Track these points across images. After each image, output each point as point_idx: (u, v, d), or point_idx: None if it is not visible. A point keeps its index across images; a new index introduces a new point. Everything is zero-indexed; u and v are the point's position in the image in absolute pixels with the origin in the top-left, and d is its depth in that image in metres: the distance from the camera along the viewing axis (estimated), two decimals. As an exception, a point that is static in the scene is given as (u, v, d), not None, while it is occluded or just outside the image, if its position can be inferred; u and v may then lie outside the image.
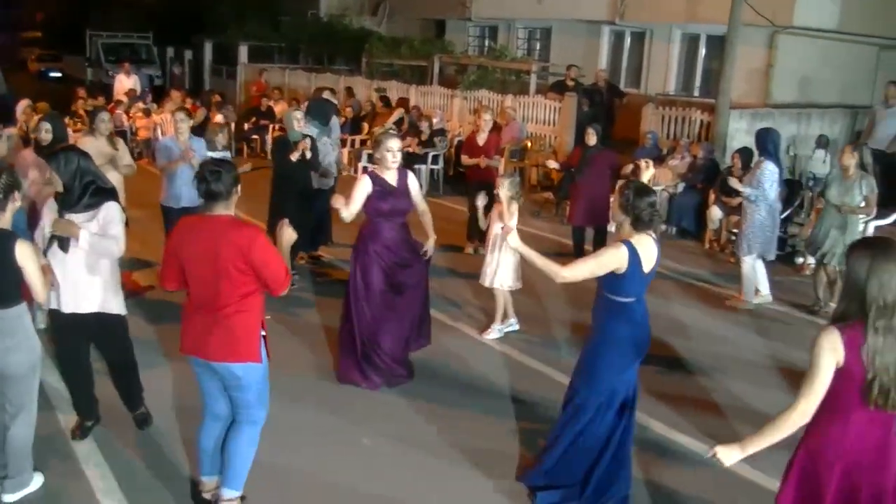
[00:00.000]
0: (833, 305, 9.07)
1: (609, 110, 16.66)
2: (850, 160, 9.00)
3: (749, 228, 9.26)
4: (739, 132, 14.11)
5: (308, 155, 9.21)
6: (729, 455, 3.81)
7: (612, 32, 20.01)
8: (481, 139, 11.04)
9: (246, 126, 19.45)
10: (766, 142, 9.28)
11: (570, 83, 17.07)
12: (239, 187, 4.64)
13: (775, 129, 10.00)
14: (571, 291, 9.42)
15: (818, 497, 3.71)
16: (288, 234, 4.85)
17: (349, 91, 20.23)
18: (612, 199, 11.43)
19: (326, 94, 11.47)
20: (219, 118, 17.26)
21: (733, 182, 9.31)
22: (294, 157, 9.06)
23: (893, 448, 3.66)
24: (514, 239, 4.92)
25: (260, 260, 4.50)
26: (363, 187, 6.62)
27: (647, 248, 4.83)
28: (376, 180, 6.67)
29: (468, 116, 17.71)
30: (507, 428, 6.26)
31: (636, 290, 4.90)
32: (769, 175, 9.09)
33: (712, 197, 11.91)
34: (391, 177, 6.69)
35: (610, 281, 4.85)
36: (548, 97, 17.15)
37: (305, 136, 9.36)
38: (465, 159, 11.29)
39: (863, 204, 8.97)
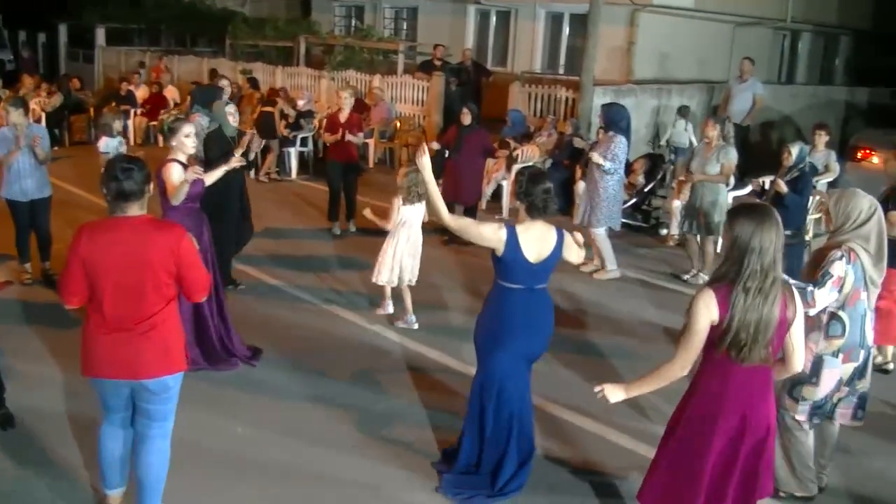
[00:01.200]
0: (700, 275, 9.61)
1: (476, 89, 16.76)
2: (712, 132, 9.36)
3: (603, 201, 9.53)
4: (603, 108, 14.35)
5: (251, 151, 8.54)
6: (614, 393, 4.07)
7: (477, 12, 20.07)
8: (343, 116, 10.93)
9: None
10: (617, 117, 9.62)
11: (438, 62, 17.08)
12: (151, 186, 4.30)
13: (621, 105, 10.39)
14: (468, 280, 9.47)
15: (702, 450, 3.93)
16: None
17: (213, 73, 19.68)
18: (483, 178, 11.61)
19: (224, 83, 10.97)
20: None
21: (596, 157, 9.49)
22: (237, 153, 7.85)
23: (770, 400, 3.96)
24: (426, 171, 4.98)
25: (188, 261, 4.21)
26: (178, 172, 6.54)
27: (536, 238, 4.83)
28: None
29: (336, 97, 17.49)
30: (388, 413, 6.21)
31: (522, 278, 4.83)
32: (623, 148, 9.45)
33: (579, 173, 12.08)
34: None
35: (494, 263, 4.88)
36: (415, 77, 17.11)
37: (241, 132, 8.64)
38: (326, 136, 11.21)
39: (718, 172, 9.31)
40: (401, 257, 7.76)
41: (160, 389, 4.29)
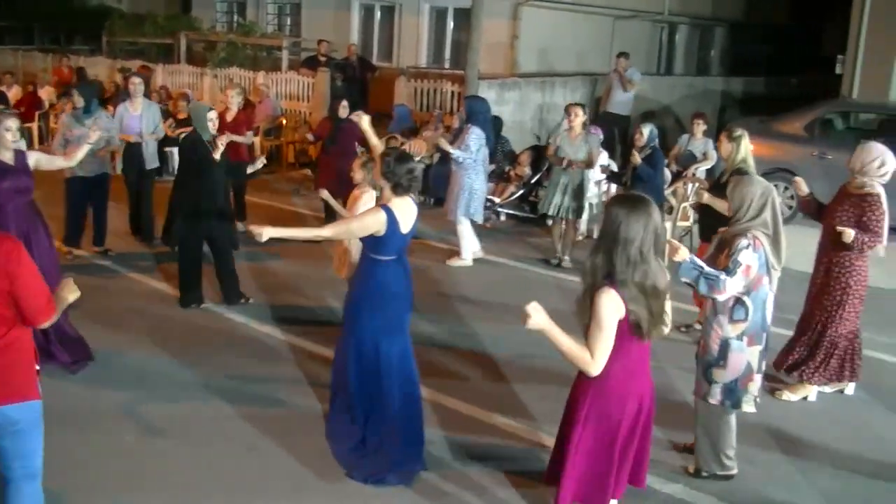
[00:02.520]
0: (568, 258, 10.04)
1: (362, 84, 16.69)
2: (577, 119, 9.77)
3: (462, 192, 9.72)
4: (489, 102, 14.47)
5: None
6: (538, 320, 3.85)
7: (361, 6, 19.99)
8: (230, 116, 10.70)
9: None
10: (477, 109, 9.91)
11: (322, 58, 16.95)
12: None
13: (483, 98, 10.75)
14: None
15: (614, 431, 4.10)
16: (70, 292, 4.05)
17: (80, 72, 18.91)
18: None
19: (137, 80, 10.57)
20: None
21: (443, 144, 9.78)
22: (216, 154, 7.85)
23: (649, 371, 4.21)
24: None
25: (23, 280, 3.75)
26: None
27: (406, 211, 5.16)
28: None
29: (220, 95, 17.18)
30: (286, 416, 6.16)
31: (395, 249, 5.20)
32: (476, 139, 9.66)
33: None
34: (8, 156, 6.55)
35: (371, 242, 5.14)
36: (300, 73, 16.95)
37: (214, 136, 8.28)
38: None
39: (585, 158, 9.73)
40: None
41: (3, 422, 3.86)
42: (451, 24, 18.59)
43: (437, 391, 6.42)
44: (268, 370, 6.84)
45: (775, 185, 12.05)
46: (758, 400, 5.32)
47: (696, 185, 10.84)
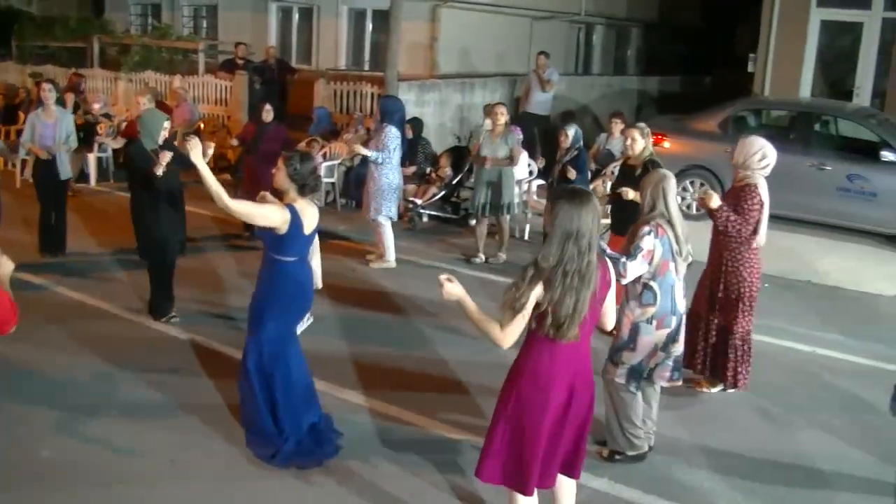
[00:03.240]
0: (499, 255, 10.24)
1: (281, 87, 16.53)
2: (500, 118, 9.96)
3: (379, 191, 9.77)
4: (409, 103, 14.44)
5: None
6: (455, 290, 4.01)
7: (279, 9, 19.82)
8: (139, 123, 10.48)
9: None
10: (391, 109, 9.98)
11: (240, 61, 16.74)
12: None
13: (397, 97, 10.95)
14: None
15: (536, 425, 4.11)
16: (6, 266, 4.02)
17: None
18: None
19: (48, 86, 10.23)
20: None
21: (359, 149, 9.82)
22: (158, 170, 7.53)
23: (589, 362, 4.23)
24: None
25: None
26: None
27: (309, 212, 5.32)
28: None
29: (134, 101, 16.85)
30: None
31: (298, 250, 5.37)
32: (393, 139, 9.73)
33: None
34: None
35: (273, 242, 5.28)
36: (218, 76, 16.72)
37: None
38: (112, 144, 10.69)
39: (507, 156, 9.92)
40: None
41: None
42: (369, 26, 18.55)
43: (366, 393, 6.41)
44: (202, 379, 6.72)
45: (691, 182, 12.44)
46: (655, 375, 5.55)
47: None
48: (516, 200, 10.72)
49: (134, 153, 7.94)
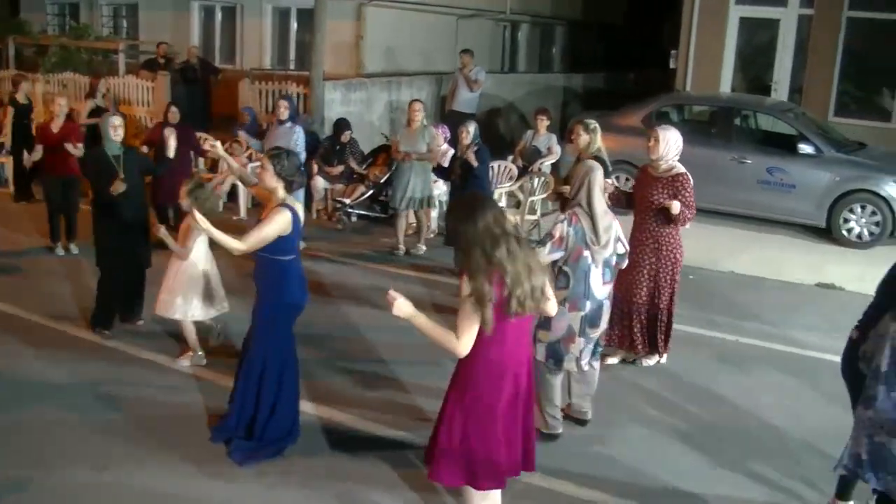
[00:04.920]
0: (419, 247, 10.45)
1: (205, 87, 16.31)
2: (417, 115, 10.28)
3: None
4: (335, 103, 14.43)
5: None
6: (405, 307, 4.07)
7: (201, 7, 19.51)
8: (56, 126, 10.12)
9: None
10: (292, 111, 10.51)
11: (162, 61, 16.46)
12: None
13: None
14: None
15: (491, 411, 4.20)
16: None
17: None
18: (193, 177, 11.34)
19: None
20: None
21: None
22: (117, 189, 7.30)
23: (529, 349, 4.42)
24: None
25: None
26: None
27: (299, 207, 5.42)
28: None
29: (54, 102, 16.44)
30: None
31: (294, 247, 5.44)
32: (297, 139, 10.16)
33: (315, 168, 12.06)
34: None
35: (274, 244, 5.24)
36: (139, 77, 16.39)
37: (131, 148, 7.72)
38: (39, 150, 10.21)
39: (424, 150, 10.19)
40: (204, 285, 6.92)
41: None
42: (294, 25, 18.38)
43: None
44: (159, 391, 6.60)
45: (616, 177, 12.57)
46: (581, 363, 5.81)
47: (542, 178, 11.14)
48: (444, 199, 10.77)
49: (90, 159, 7.66)
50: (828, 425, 5.97)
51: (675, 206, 6.67)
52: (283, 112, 10.50)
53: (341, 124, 12.26)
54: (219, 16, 19.37)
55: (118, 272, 7.62)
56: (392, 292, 4.08)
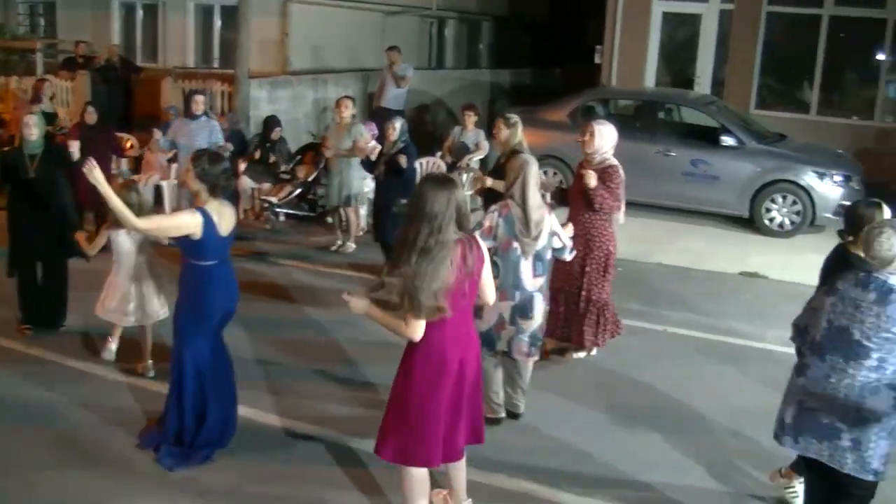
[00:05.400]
0: (348, 245, 10.44)
1: (126, 87, 16.00)
2: (346, 111, 10.28)
3: None
4: (261, 101, 14.30)
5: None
6: (360, 304, 4.27)
7: (122, 5, 19.15)
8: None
9: None
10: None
11: (81, 60, 16.11)
12: None
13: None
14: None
15: (436, 400, 4.33)
16: None
17: None
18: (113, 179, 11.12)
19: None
20: None
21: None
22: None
23: (474, 334, 4.54)
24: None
25: None
26: None
27: (224, 213, 5.21)
28: None
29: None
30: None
31: (216, 253, 5.22)
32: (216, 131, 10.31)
33: (241, 167, 11.89)
34: None
35: (190, 247, 5.15)
36: (58, 76, 16.00)
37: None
38: None
39: (351, 147, 10.14)
40: (128, 289, 6.68)
41: None
42: (218, 23, 18.16)
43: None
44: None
45: (544, 171, 12.66)
46: (514, 351, 5.92)
47: (471, 174, 11.14)
48: (372, 196, 10.73)
49: (7, 160, 7.44)
50: (757, 408, 6.09)
51: (592, 178, 6.76)
52: (200, 107, 10.43)
53: (271, 122, 12.17)
54: (140, 13, 19.04)
55: (31, 276, 7.50)
56: (345, 293, 4.27)
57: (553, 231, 5.87)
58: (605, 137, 6.97)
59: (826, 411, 4.24)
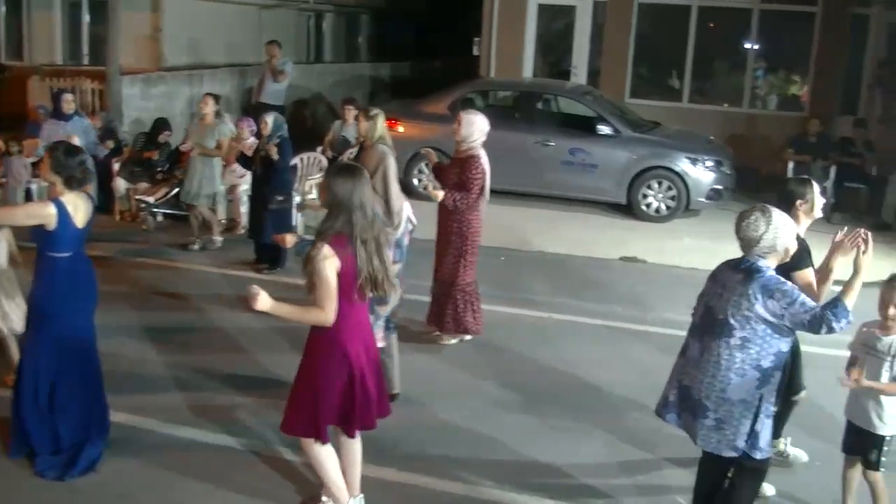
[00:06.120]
0: (214, 240, 10.26)
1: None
2: (206, 108, 10.16)
3: None
4: (134, 98, 13.93)
5: None
6: (265, 301, 4.25)
7: (-18, 1, 18.35)
8: None
9: None
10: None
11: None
12: None
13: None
14: None
15: (338, 381, 4.44)
16: None
17: None
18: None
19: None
20: None
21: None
22: None
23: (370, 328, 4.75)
24: None
25: None
26: None
27: (80, 205, 5.09)
28: None
29: None
30: None
31: (70, 245, 5.11)
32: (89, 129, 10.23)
33: (116, 167, 11.55)
34: None
35: (44, 238, 5.04)
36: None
37: None
38: None
39: (213, 146, 10.06)
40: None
41: None
42: (87, 18, 17.55)
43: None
44: None
45: (426, 164, 12.69)
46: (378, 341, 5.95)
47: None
48: (244, 188, 10.61)
49: None
50: (641, 388, 6.28)
51: (438, 196, 6.98)
52: (71, 105, 10.18)
53: (160, 124, 11.96)
54: (2, 9, 18.23)
55: None
56: (253, 288, 4.23)
57: (407, 216, 6.15)
58: (472, 126, 7.09)
59: (697, 389, 4.35)
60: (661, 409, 4.65)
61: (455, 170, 7.15)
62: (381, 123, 7.77)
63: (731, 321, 4.21)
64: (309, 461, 4.78)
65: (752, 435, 4.30)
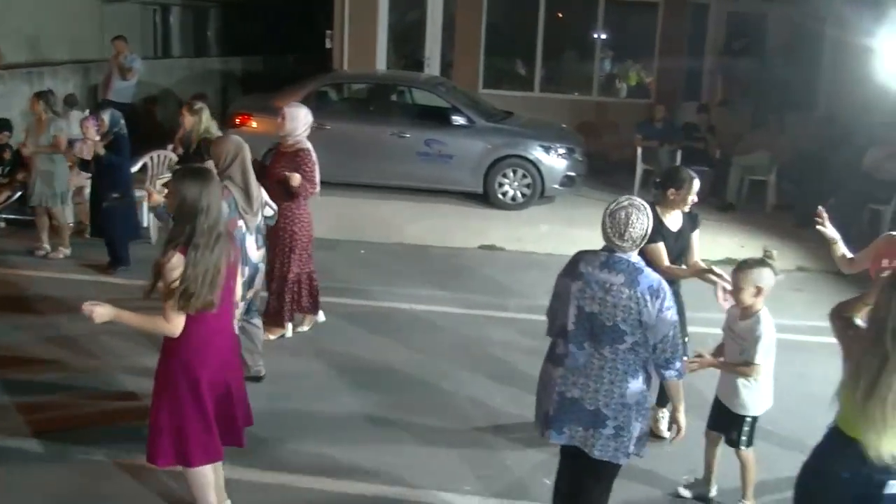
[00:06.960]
0: (60, 250, 9.79)
1: None
2: (36, 108, 9.68)
3: None
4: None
5: None
6: (103, 314, 4.10)
7: None
8: None
9: None
10: None
11: None
12: None
13: None
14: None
15: (196, 387, 4.29)
16: None
17: None
18: None
19: None
20: None
21: None
22: None
23: (236, 343, 4.70)
24: None
25: None
26: None
27: None
28: None
29: None
30: None
31: None
32: None
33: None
34: None
35: None
36: None
37: None
38: None
39: (49, 144, 9.61)
40: None
41: None
42: None
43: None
44: None
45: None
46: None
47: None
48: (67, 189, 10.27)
49: None
50: (500, 376, 6.40)
51: (296, 179, 6.93)
52: None
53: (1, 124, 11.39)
54: None
55: None
56: (86, 305, 4.09)
57: (264, 202, 6.21)
58: (297, 120, 7.10)
59: (591, 399, 4.15)
60: (542, 426, 4.35)
61: (284, 164, 7.07)
62: (206, 117, 7.78)
63: (623, 327, 4.03)
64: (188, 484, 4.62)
65: (640, 439, 4.22)
